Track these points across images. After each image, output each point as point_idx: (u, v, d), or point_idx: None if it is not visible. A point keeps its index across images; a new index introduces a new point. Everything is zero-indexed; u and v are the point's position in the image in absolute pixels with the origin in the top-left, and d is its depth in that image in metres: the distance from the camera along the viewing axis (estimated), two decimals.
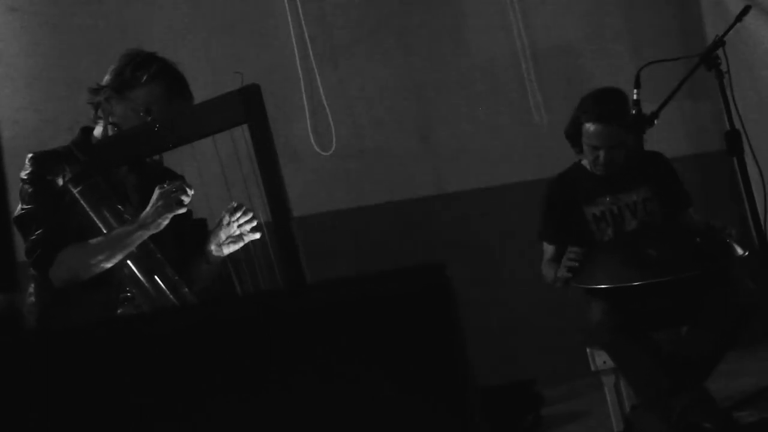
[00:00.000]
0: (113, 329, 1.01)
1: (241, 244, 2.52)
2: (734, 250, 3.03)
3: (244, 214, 2.49)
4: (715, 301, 3.02)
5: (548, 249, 3.42)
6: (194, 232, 2.67)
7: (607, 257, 3.16)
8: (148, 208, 2.35)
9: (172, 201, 2.32)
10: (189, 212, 2.54)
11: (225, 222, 2.51)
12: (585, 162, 3.44)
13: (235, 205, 2.51)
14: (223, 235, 2.52)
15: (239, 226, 2.50)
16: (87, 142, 2.52)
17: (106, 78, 2.52)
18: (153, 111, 2.47)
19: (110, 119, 2.49)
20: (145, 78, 2.48)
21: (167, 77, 2.52)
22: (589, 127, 3.27)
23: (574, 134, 3.37)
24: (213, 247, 2.54)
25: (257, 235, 2.49)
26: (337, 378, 1.02)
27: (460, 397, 1.03)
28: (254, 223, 2.49)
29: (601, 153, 3.27)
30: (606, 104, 3.27)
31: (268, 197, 2.07)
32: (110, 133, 2.48)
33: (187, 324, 1.01)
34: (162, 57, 2.57)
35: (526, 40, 4.89)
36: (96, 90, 2.52)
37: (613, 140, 3.27)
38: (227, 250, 2.53)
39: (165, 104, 2.49)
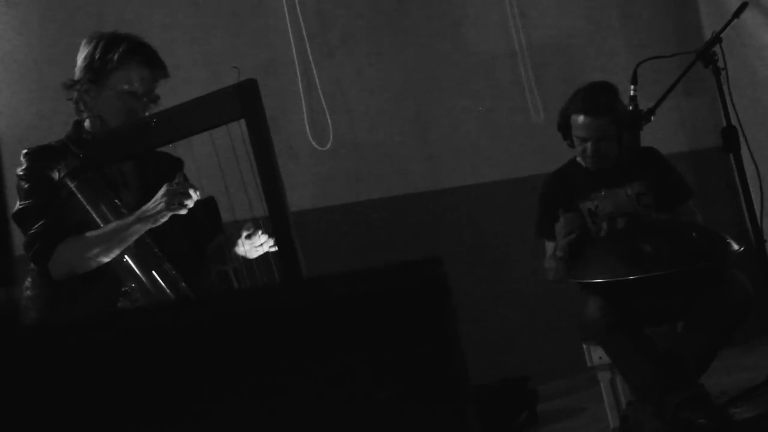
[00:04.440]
0: (107, 326, 1.01)
1: (257, 254, 2.55)
2: (730, 246, 3.04)
3: (256, 233, 2.50)
4: (710, 298, 3.02)
5: (549, 245, 3.43)
6: (206, 215, 2.66)
7: (602, 252, 3.16)
8: (150, 203, 2.34)
9: (175, 201, 2.31)
10: (197, 202, 2.53)
11: (241, 244, 2.52)
12: (580, 158, 3.45)
13: (251, 228, 2.50)
14: (240, 254, 2.54)
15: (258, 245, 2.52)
16: (80, 136, 2.51)
17: (78, 71, 2.48)
18: (136, 91, 2.45)
19: (94, 111, 2.47)
20: (116, 59, 2.44)
21: (137, 52, 2.48)
22: (576, 118, 3.29)
23: (564, 126, 3.38)
24: (236, 250, 2.56)
25: (275, 248, 2.48)
26: (331, 374, 1.02)
27: (454, 392, 1.04)
28: (271, 242, 2.49)
29: (589, 145, 3.29)
30: (594, 97, 3.28)
31: (265, 192, 2.07)
32: (99, 125, 2.48)
33: (182, 320, 1.01)
34: (124, 33, 2.52)
35: (523, 37, 4.88)
36: (71, 85, 2.49)
37: (600, 132, 3.27)
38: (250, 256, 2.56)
39: (143, 80, 2.47)
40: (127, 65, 2.46)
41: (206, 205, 2.68)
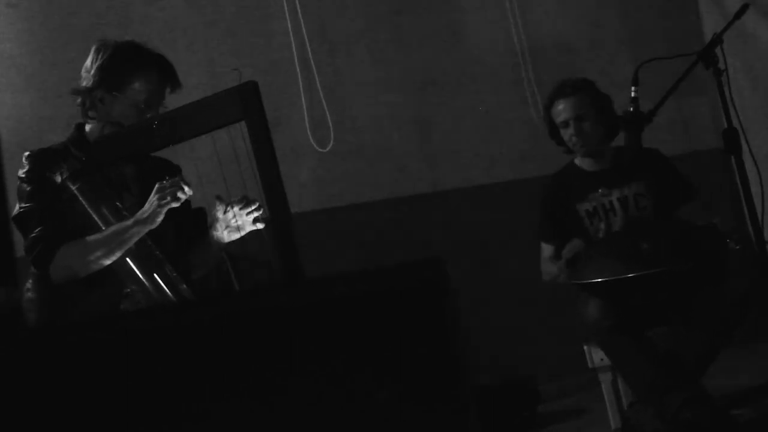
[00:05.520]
0: (108, 327, 1.01)
1: (240, 234, 2.51)
2: (728, 244, 3.04)
3: (247, 204, 2.47)
4: (710, 297, 3.03)
5: (546, 248, 3.46)
6: (194, 221, 2.68)
7: (601, 253, 3.17)
8: (146, 204, 2.35)
9: (167, 195, 2.32)
10: (188, 204, 2.54)
11: (220, 213, 2.50)
12: (578, 161, 3.49)
13: (239, 198, 2.49)
14: (221, 225, 2.52)
15: (246, 215, 2.48)
16: (82, 139, 2.51)
17: (90, 77, 2.48)
18: (151, 100, 2.47)
19: (107, 118, 2.47)
20: (135, 71, 2.46)
21: (154, 63, 2.51)
22: (554, 109, 3.42)
23: (552, 131, 3.47)
24: (214, 233, 2.54)
25: (260, 226, 2.47)
26: (331, 374, 1.02)
27: (454, 392, 1.04)
28: (257, 213, 2.47)
29: (571, 125, 3.35)
30: (561, 83, 3.45)
31: (266, 194, 2.07)
32: (106, 130, 2.48)
33: (183, 322, 1.01)
34: (138, 42, 2.54)
35: (523, 37, 4.88)
36: (84, 92, 2.49)
37: (575, 111, 3.38)
38: (227, 237, 2.52)
39: (158, 90, 2.49)
40: (145, 76, 2.48)
41: (196, 213, 2.70)
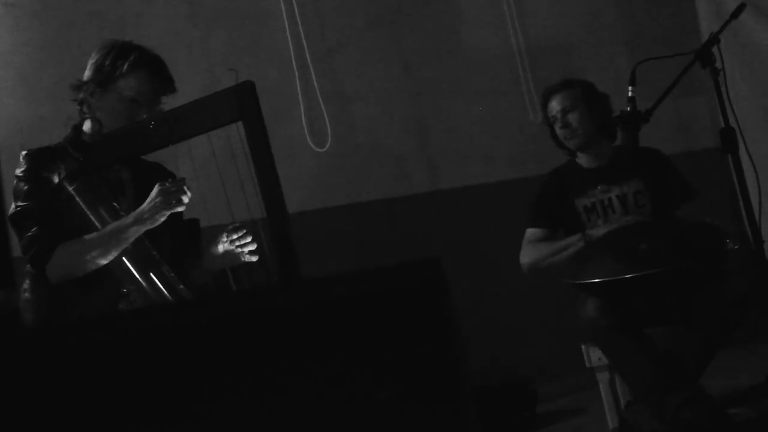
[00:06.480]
0: (107, 327, 1.01)
1: (235, 264, 2.55)
2: (726, 245, 3.04)
3: (244, 236, 2.51)
4: (709, 297, 3.03)
5: (534, 233, 3.47)
6: (187, 231, 2.68)
7: (598, 253, 3.17)
8: (145, 204, 2.35)
9: (171, 198, 2.32)
10: (180, 213, 2.55)
11: (223, 240, 2.53)
12: (578, 158, 3.50)
13: (237, 225, 2.52)
14: (220, 250, 2.54)
15: (238, 246, 2.52)
16: (79, 139, 2.52)
17: (87, 73, 2.52)
18: (140, 100, 2.48)
19: (97, 114, 2.49)
20: (126, 67, 2.48)
21: (147, 63, 2.52)
22: (548, 108, 3.50)
23: (553, 133, 3.50)
24: (211, 255, 2.56)
25: (254, 258, 2.51)
26: (331, 374, 1.02)
27: (454, 392, 1.03)
28: (253, 246, 2.50)
29: (558, 119, 3.44)
30: (553, 83, 3.52)
31: (264, 194, 2.07)
32: (98, 128, 2.49)
33: (182, 321, 1.01)
34: (138, 44, 2.56)
35: (521, 38, 4.89)
36: (78, 87, 2.52)
37: (563, 103, 3.44)
38: (223, 264, 2.56)
39: (149, 90, 2.50)
40: (135, 73, 2.49)
41: (189, 224, 2.70)
